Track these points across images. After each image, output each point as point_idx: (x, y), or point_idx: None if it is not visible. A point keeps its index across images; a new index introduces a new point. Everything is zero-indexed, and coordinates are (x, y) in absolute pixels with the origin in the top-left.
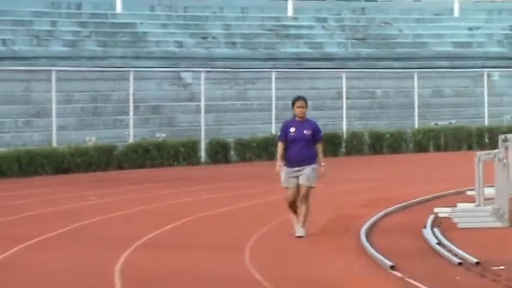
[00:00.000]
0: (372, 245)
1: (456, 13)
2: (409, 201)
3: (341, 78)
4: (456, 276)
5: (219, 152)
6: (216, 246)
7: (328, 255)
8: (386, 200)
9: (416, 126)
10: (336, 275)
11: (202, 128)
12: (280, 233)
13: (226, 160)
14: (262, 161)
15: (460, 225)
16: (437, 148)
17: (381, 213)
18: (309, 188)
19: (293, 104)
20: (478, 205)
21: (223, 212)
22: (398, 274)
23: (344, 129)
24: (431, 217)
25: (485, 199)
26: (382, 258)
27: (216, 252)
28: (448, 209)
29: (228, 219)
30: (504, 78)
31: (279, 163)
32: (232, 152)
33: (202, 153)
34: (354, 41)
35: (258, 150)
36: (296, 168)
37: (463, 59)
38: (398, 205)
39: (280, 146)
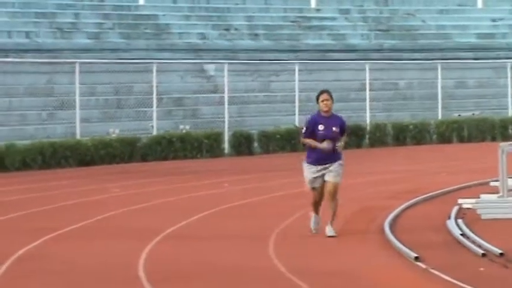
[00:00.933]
0: (395, 237)
1: (480, 4)
2: (433, 193)
3: (364, 69)
4: (480, 267)
5: (243, 144)
6: (239, 237)
7: (352, 247)
8: (410, 192)
9: (439, 117)
10: (360, 266)
11: (226, 120)
12: (304, 225)
13: (250, 152)
14: (286, 152)
15: (483, 217)
16: (461, 139)
17: (405, 205)
18: (337, 184)
19: (318, 98)
20: (502, 196)
21: (247, 204)
22: (423, 265)
23: (368, 121)
24: (455, 208)
25: (509, 190)
26: (406, 249)
27: (239, 243)
28: (472, 200)
29: (251, 211)
30: None
31: (321, 144)
32: (255, 144)
33: (226, 145)
34: (377, 32)
35: (282, 142)
36: (322, 167)
37: (487, 50)
38: (422, 196)
39: (305, 140)
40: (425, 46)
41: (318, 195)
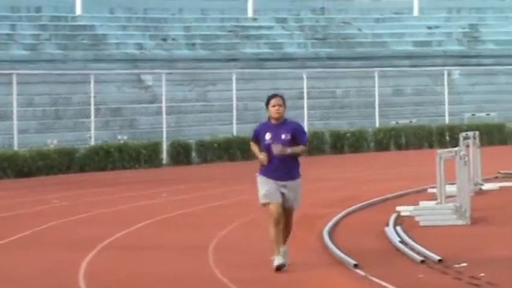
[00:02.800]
0: (335, 244)
1: (416, 12)
2: (371, 200)
3: (301, 78)
4: (419, 274)
5: (181, 154)
6: (179, 247)
7: (292, 255)
8: (349, 199)
9: (377, 125)
10: (299, 274)
11: (164, 129)
12: (243, 234)
13: (188, 161)
14: (224, 161)
15: (421, 223)
16: (399, 147)
17: (344, 212)
18: (293, 210)
19: (267, 103)
20: (440, 203)
21: (186, 214)
22: (362, 272)
23: (305, 129)
24: (394, 215)
25: (447, 197)
26: (345, 257)
27: (179, 253)
28: (410, 207)
29: (190, 221)
30: (464, 76)
31: (261, 154)
32: (193, 154)
33: (164, 155)
34: (313, 41)
35: (219, 151)
36: (278, 182)
37: (423, 57)
38: (361, 204)
39: (253, 144)
40: (362, 54)
41: (277, 212)
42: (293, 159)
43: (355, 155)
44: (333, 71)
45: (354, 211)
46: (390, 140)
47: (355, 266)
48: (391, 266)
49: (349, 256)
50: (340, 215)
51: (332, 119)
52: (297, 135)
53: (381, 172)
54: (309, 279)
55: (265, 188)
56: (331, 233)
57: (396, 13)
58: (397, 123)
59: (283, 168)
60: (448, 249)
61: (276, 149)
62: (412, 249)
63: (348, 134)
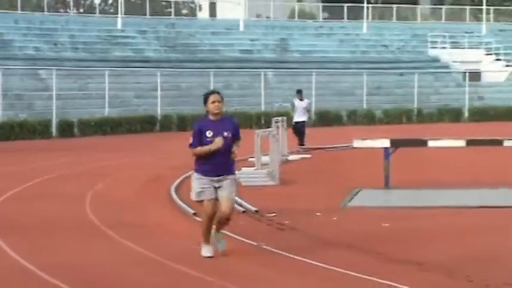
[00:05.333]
0: (179, 198)
1: (242, 28)
2: None
3: (156, 75)
4: (241, 221)
5: (66, 129)
6: (65, 197)
7: (149, 205)
8: (189, 165)
9: None
10: (154, 220)
11: (54, 111)
12: (112, 188)
13: (72, 135)
14: (98, 135)
15: (243, 184)
16: None
17: (186, 174)
18: (232, 205)
19: (206, 99)
20: (257, 169)
21: (67, 173)
22: (199, 219)
23: (159, 112)
24: None
25: (262, 164)
26: (186, 207)
27: (65, 202)
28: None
29: (73, 178)
30: (275, 76)
31: (212, 144)
32: (75, 129)
33: (54, 130)
34: (166, 48)
35: (95, 127)
36: (216, 178)
37: (247, 62)
38: None
39: (195, 150)
40: (201, 58)
41: (212, 209)
42: (228, 157)
43: None
44: (180, 71)
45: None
46: None
47: (194, 214)
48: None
49: (189, 206)
50: (182, 177)
51: (178, 105)
52: (236, 132)
53: None
54: (161, 223)
55: (200, 185)
56: (177, 190)
57: (227, 29)
58: (226, 111)
59: (222, 164)
60: (263, 203)
61: (220, 141)
62: (236, 202)
63: (189, 117)
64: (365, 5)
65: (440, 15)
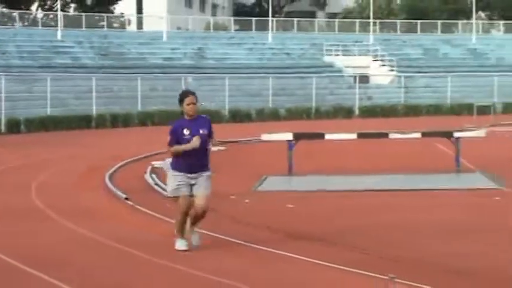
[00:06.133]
0: (113, 185)
1: (165, 38)
2: (134, 158)
3: (91, 79)
4: (167, 204)
5: (14, 126)
6: (13, 186)
7: (87, 192)
8: (121, 156)
9: (139, 109)
10: (92, 204)
11: (3, 111)
12: (55, 177)
13: (19, 131)
14: (42, 132)
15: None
16: (153, 124)
17: (118, 165)
18: (208, 201)
19: (182, 100)
20: None
21: (16, 165)
22: (130, 203)
23: (94, 111)
24: (149, 167)
25: None
26: (119, 193)
27: (13, 190)
28: (160, 162)
29: (20, 169)
30: (195, 80)
31: (190, 144)
32: (22, 126)
33: (3, 127)
34: (100, 55)
35: (39, 124)
36: (192, 175)
37: (169, 68)
38: (128, 160)
39: (172, 149)
40: (131, 65)
41: (187, 205)
42: (205, 151)
43: (125, 129)
44: (112, 75)
45: (124, 164)
46: (147, 119)
47: (126, 198)
48: (149, 199)
49: (122, 192)
50: (116, 166)
51: (111, 105)
52: (210, 129)
53: (146, 140)
54: (99, 208)
55: (175, 182)
56: (111, 178)
57: (152, 39)
58: (153, 109)
59: (197, 161)
60: None
61: (198, 140)
62: (162, 188)
63: (121, 115)
64: (270, 18)
65: (334, 27)
